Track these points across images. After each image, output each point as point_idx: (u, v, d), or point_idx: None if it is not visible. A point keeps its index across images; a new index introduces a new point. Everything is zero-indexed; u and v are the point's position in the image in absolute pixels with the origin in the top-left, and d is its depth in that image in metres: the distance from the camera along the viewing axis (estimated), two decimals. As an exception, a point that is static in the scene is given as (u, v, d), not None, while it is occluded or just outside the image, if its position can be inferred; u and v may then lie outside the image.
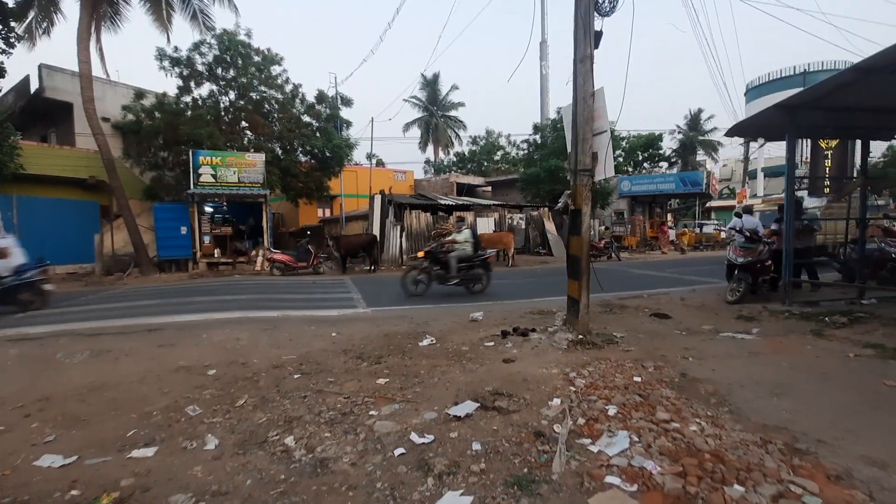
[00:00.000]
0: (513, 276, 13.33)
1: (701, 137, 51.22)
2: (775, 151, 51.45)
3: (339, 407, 3.73)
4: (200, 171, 15.52)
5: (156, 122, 16.33)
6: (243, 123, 19.32)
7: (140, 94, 16.31)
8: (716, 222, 28.55)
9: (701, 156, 51.87)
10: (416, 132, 44.46)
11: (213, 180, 15.64)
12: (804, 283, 8.39)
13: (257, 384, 4.41)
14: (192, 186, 15.39)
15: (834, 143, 8.22)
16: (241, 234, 17.05)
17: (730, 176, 58.23)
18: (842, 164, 7.88)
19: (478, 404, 3.60)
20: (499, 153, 46.61)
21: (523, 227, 21.46)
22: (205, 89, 17.77)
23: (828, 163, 8.46)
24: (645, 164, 42.52)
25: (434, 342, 5.63)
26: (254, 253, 16.07)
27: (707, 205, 37.63)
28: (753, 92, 50.27)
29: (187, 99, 17.65)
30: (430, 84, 43.48)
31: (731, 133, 7.55)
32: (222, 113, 18.70)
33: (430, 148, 44.84)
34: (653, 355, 4.74)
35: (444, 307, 8.15)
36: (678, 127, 51.76)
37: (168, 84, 25.83)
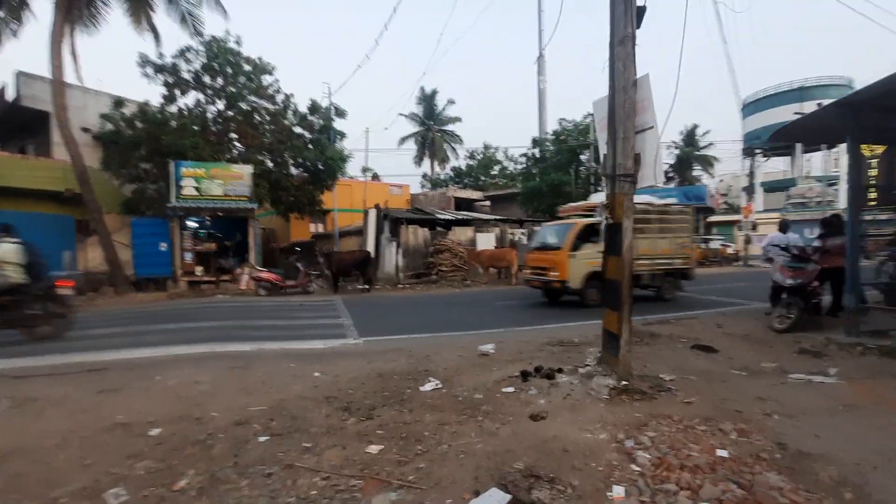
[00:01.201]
0: (517, 297, 12.30)
1: (697, 152, 50.92)
2: (773, 166, 51.26)
3: (315, 494, 2.67)
4: (183, 183, 14.50)
5: (137, 131, 15.36)
6: (232, 135, 18.42)
7: (119, 101, 15.33)
8: (721, 237, 27.71)
9: (697, 171, 51.47)
10: (411, 146, 43.81)
11: (197, 193, 14.61)
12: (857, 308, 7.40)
13: (210, 452, 3.33)
14: (173, 200, 14.34)
15: (880, 149, 7.31)
16: (226, 251, 15.96)
17: (727, 191, 57.86)
18: (890, 172, 6.97)
19: (509, 497, 2.54)
20: (496, 168, 46.02)
21: (525, 242, 20.48)
22: (191, 98, 16.90)
23: (872, 171, 7.54)
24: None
25: (439, 386, 4.57)
26: (238, 271, 14.97)
27: (707, 219, 36.93)
28: (750, 107, 50.22)
29: (172, 108, 16.72)
30: (427, 99, 43.04)
31: (777, 137, 6.65)
32: (210, 123, 17.78)
33: (427, 162, 44.19)
34: (724, 410, 3.70)
35: (446, 336, 7.09)
36: (674, 142, 51.48)
37: (152, 92, 24.97)
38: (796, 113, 34.10)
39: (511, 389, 4.37)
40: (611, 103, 4.34)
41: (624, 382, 4.13)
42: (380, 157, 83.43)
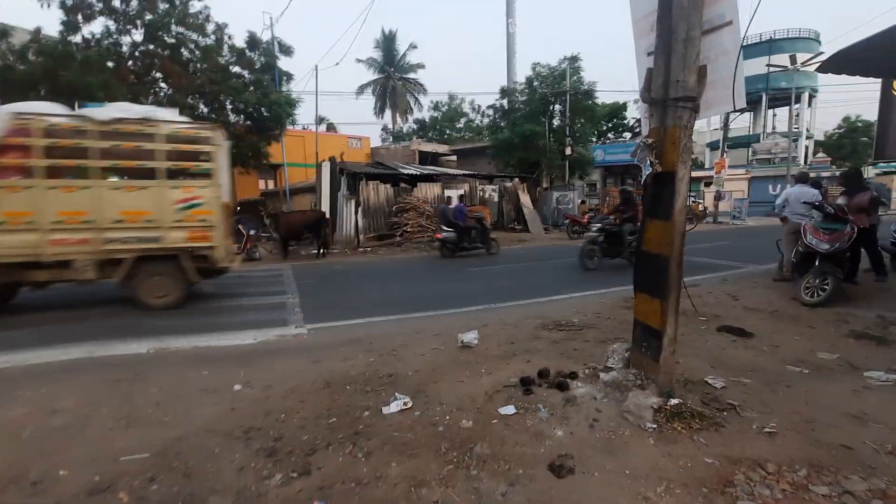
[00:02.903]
0: (495, 261, 11.04)
1: (664, 107, 50.09)
2: (737, 122, 51.35)
3: None
4: (91, 130, 11.97)
5: (31, 66, 12.49)
6: (157, 74, 15.61)
7: (4, 30, 12.27)
8: (692, 194, 27.25)
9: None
10: (369, 97, 40.60)
11: (110, 142, 12.15)
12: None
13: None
14: (80, 150, 11.86)
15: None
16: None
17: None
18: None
19: None
20: (462, 120, 43.75)
21: (496, 199, 19.16)
22: (98, 26, 13.92)
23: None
24: (609, 135, 41.16)
25: (409, 405, 3.24)
26: (171, 235, 12.87)
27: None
28: (718, 60, 49.49)
29: (76, 39, 13.77)
30: (387, 42, 39.54)
31: (826, 67, 5.42)
32: (127, 59, 14.91)
33: (388, 114, 41.26)
34: (826, 446, 2.55)
35: (415, 319, 5.72)
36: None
37: (47, 19, 20.57)
38: (768, 66, 33.73)
39: (511, 410, 3.09)
40: (662, -11, 2.86)
41: (673, 401, 2.91)
42: (336, 105, 78.34)
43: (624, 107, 40.94)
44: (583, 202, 22.62)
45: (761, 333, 4.69)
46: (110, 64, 14.45)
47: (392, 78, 39.39)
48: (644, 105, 3.26)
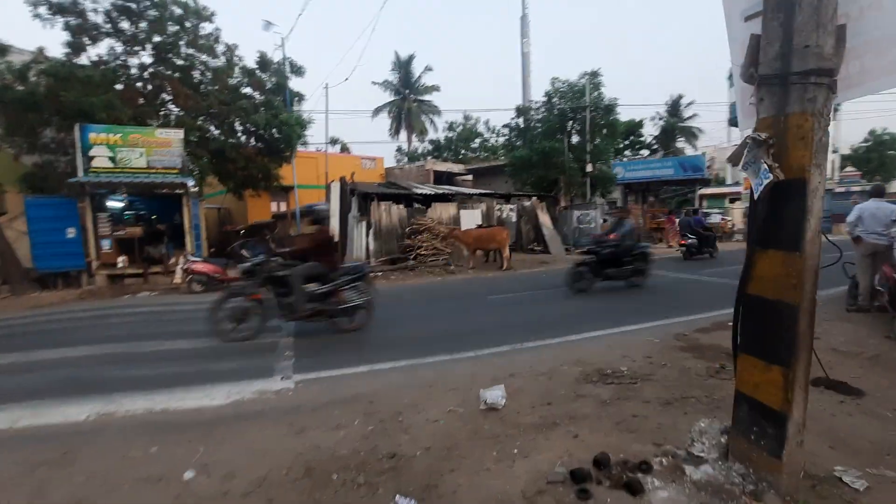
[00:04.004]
0: (516, 287, 10.06)
1: (681, 124, 49.37)
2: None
3: None
4: (92, 152, 11.57)
5: (31, 87, 12.19)
6: (165, 96, 15.32)
7: (2, 48, 12.05)
8: (717, 211, 25.91)
9: (681, 143, 49.96)
10: (384, 119, 40.53)
11: (112, 165, 11.72)
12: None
13: None
14: (80, 173, 11.43)
15: None
16: (158, 237, 13.17)
17: (710, 163, 56.61)
18: None
19: None
20: (477, 140, 43.32)
21: (514, 219, 18.23)
22: (104, 47, 13.69)
23: None
24: (626, 152, 40.17)
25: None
26: (173, 261, 12.28)
27: (698, 192, 35.29)
28: (737, 75, 48.69)
29: (82, 60, 13.54)
30: (403, 66, 39.62)
31: None
32: (135, 81, 14.65)
33: (403, 135, 41.04)
34: None
35: (428, 365, 4.75)
36: (658, 113, 49.76)
37: (51, 40, 20.46)
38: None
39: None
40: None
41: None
42: (350, 127, 78.87)
43: (640, 124, 40.09)
44: (604, 221, 21.53)
45: (872, 389, 3.62)
46: (119, 87, 14.22)
47: (407, 100, 39.32)
48: (742, 87, 2.34)
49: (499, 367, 4.51)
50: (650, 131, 47.03)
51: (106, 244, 11.94)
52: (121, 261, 12.04)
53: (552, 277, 11.80)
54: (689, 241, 14.59)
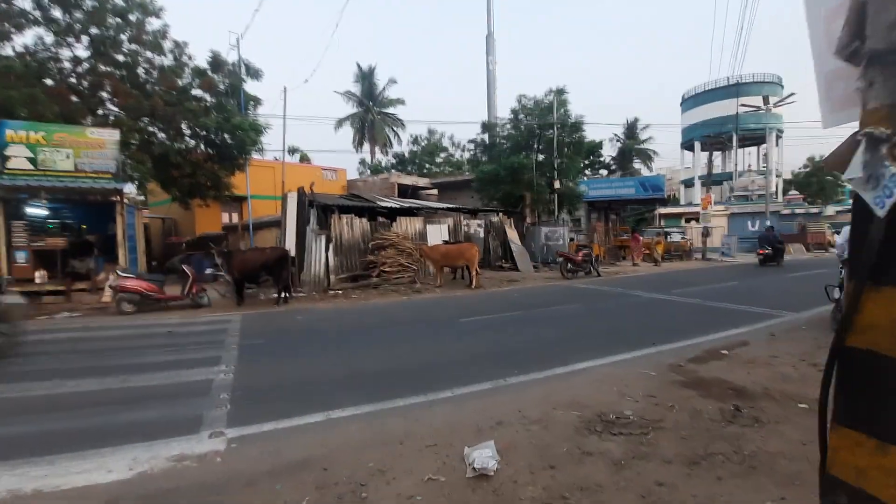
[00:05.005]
0: (488, 308, 9.40)
1: (637, 146, 51.28)
2: (701, 160, 52.49)
3: None
4: (9, 151, 10.09)
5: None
6: (104, 94, 13.90)
7: None
8: (677, 230, 26.52)
9: (637, 164, 51.84)
10: (348, 131, 39.54)
11: (31, 167, 10.26)
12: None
13: None
14: (-8, 175, 9.93)
15: None
16: (86, 249, 11.65)
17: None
18: None
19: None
20: (441, 155, 43.09)
21: (481, 235, 17.71)
22: (30, 37, 12.23)
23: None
24: (587, 171, 41.08)
25: None
26: (101, 276, 10.84)
27: (655, 211, 36.34)
28: (690, 101, 51.32)
29: (7, 51, 12.02)
30: (366, 77, 38.95)
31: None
32: (68, 76, 13.19)
33: (367, 148, 40.15)
34: None
35: (397, 411, 3.93)
36: (616, 135, 51.62)
37: None
38: (743, 105, 34.43)
39: None
40: None
41: None
42: (311, 137, 76.71)
43: (600, 144, 41.21)
44: (571, 239, 21.45)
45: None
46: (50, 82, 12.73)
47: (371, 112, 38.57)
48: (827, 73, 1.78)
49: (482, 413, 3.79)
50: (608, 152, 48.60)
51: (21, 256, 10.37)
52: (38, 276, 10.48)
53: (524, 297, 11.26)
54: (766, 251, 17.81)
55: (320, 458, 3.05)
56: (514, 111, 20.90)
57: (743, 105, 33.28)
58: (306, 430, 3.52)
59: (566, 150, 20.12)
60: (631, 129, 50.40)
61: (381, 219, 14.69)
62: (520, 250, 17.68)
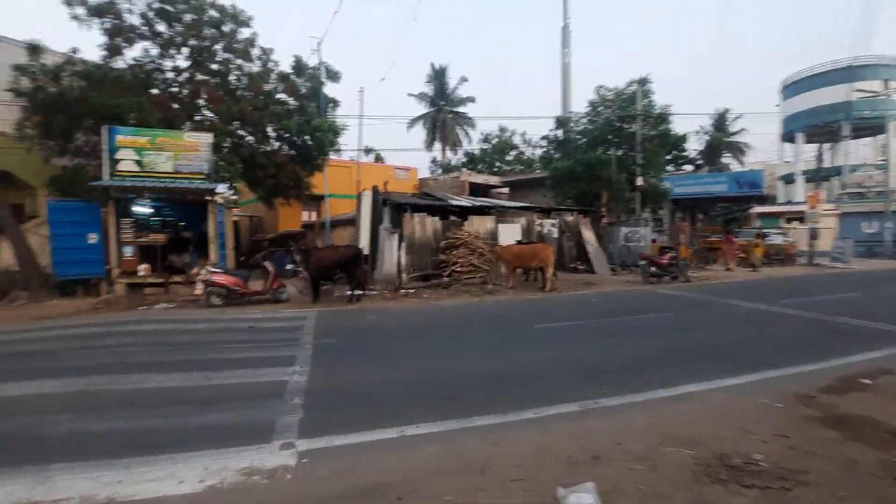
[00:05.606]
0: (564, 314, 8.78)
1: (726, 139, 46.63)
2: (806, 155, 46.42)
3: None
4: (119, 155, 11.14)
5: (64, 88, 11.89)
6: (200, 101, 14.98)
7: (35, 47, 11.82)
8: (778, 231, 23.57)
9: (726, 158, 47.22)
10: (420, 131, 40.05)
11: (138, 169, 11.24)
12: None
13: None
14: (105, 176, 10.99)
15: None
16: (183, 245, 12.62)
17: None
18: None
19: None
20: (512, 152, 42.21)
21: (555, 235, 16.89)
22: (138, 50, 13.42)
23: None
24: (669, 167, 38.07)
25: None
26: (195, 271, 11.64)
27: (750, 210, 32.66)
28: (792, 88, 45.80)
29: (119, 64, 13.29)
30: (438, 76, 39.19)
31: None
32: (170, 85, 14.35)
33: (437, 147, 40.43)
34: None
35: (472, 433, 3.55)
36: (701, 127, 47.16)
37: (86, 42, 19.70)
38: (859, 90, 30.07)
39: None
40: None
41: None
42: (385, 137, 78.93)
43: (684, 138, 37.99)
44: (653, 240, 19.87)
45: None
46: (155, 91, 13.94)
47: (443, 111, 38.77)
48: None
49: (573, 441, 3.32)
50: (694, 146, 44.60)
51: (128, 251, 11.41)
52: (142, 269, 11.48)
53: (604, 302, 10.45)
54: None
55: (394, 484, 2.77)
56: (592, 103, 19.74)
57: (858, 90, 29.04)
58: (379, 448, 3.27)
59: (649, 144, 18.66)
60: (720, 121, 46.03)
61: (452, 217, 14.46)
62: (596, 252, 16.64)
